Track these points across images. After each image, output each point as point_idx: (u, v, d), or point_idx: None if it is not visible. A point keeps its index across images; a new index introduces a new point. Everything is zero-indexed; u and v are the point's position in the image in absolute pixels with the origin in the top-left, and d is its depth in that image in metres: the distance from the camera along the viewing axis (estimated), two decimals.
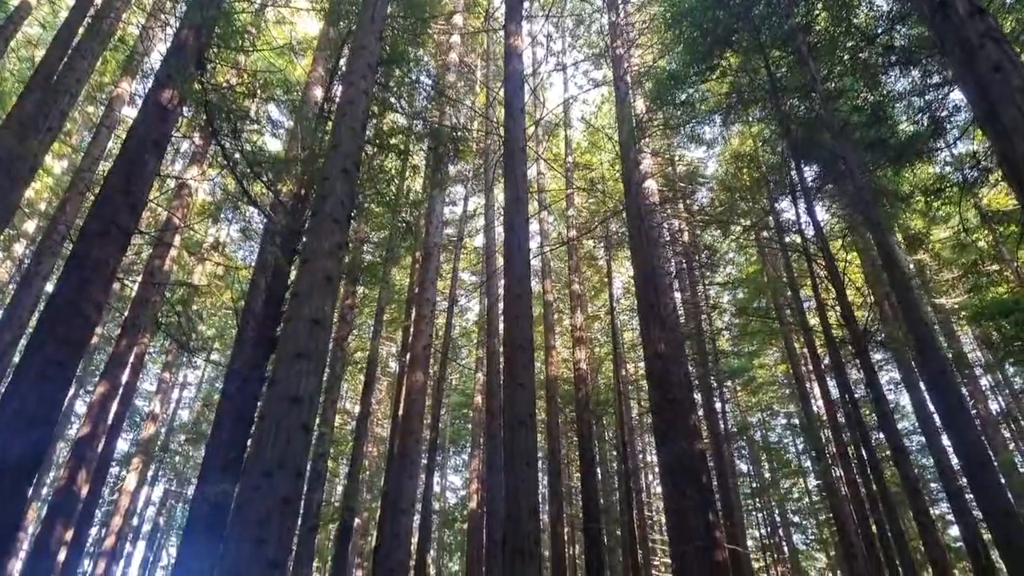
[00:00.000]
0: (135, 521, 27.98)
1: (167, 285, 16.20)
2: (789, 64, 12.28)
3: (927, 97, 12.01)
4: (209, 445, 9.21)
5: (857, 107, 11.82)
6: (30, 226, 21.40)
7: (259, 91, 15.74)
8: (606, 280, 21.93)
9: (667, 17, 13.12)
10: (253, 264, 14.02)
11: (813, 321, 17.04)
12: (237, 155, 10.33)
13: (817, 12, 11.82)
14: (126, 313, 16.01)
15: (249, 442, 9.15)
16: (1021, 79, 3.14)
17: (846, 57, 11.54)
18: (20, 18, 14.39)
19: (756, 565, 26.78)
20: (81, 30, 11.62)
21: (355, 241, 16.84)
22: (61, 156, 23.49)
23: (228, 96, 10.73)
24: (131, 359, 15.36)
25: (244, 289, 15.03)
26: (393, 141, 12.60)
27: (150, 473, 26.88)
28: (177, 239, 17.11)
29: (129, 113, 20.76)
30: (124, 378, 15.23)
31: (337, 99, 12.06)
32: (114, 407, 14.75)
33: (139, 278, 17.13)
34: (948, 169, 15.97)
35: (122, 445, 21.63)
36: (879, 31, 10.82)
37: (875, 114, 11.40)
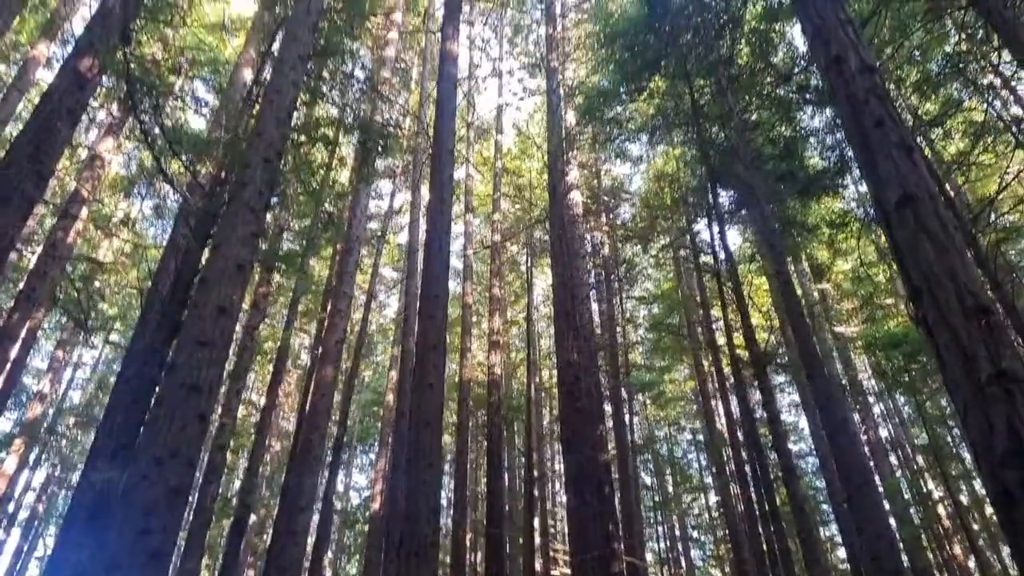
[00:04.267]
0: (11, 507, 26.27)
1: (69, 259, 15.35)
2: (712, 93, 12.80)
3: (838, 136, 12.76)
4: (100, 429, 8.76)
5: (771, 139, 12.43)
6: None
7: (186, 68, 15.17)
8: (527, 286, 22.17)
9: (601, 36, 13.44)
10: (164, 244, 13.44)
11: (721, 341, 17.74)
12: (156, 131, 9.96)
13: (740, 47, 12.37)
14: (21, 285, 15.10)
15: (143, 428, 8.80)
16: (898, 135, 3.44)
17: (764, 92, 12.13)
18: None
19: None
20: None
21: (275, 228, 16.44)
22: None
23: (151, 70, 10.35)
24: (23, 333, 14.51)
25: (152, 269, 14.37)
26: (322, 131, 12.41)
27: (32, 456, 25.29)
28: (84, 212, 16.25)
29: (45, 76, 19.60)
30: (13, 353, 14.37)
31: (266, 84, 11.78)
32: None
33: (39, 249, 16.16)
34: (852, 205, 16.91)
35: (4, 424, 20.29)
36: (796, 71, 11.43)
37: (787, 148, 12.03)
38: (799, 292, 20.26)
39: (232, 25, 18.11)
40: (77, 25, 16.22)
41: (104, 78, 9.18)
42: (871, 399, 24.31)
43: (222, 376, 5.19)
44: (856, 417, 19.80)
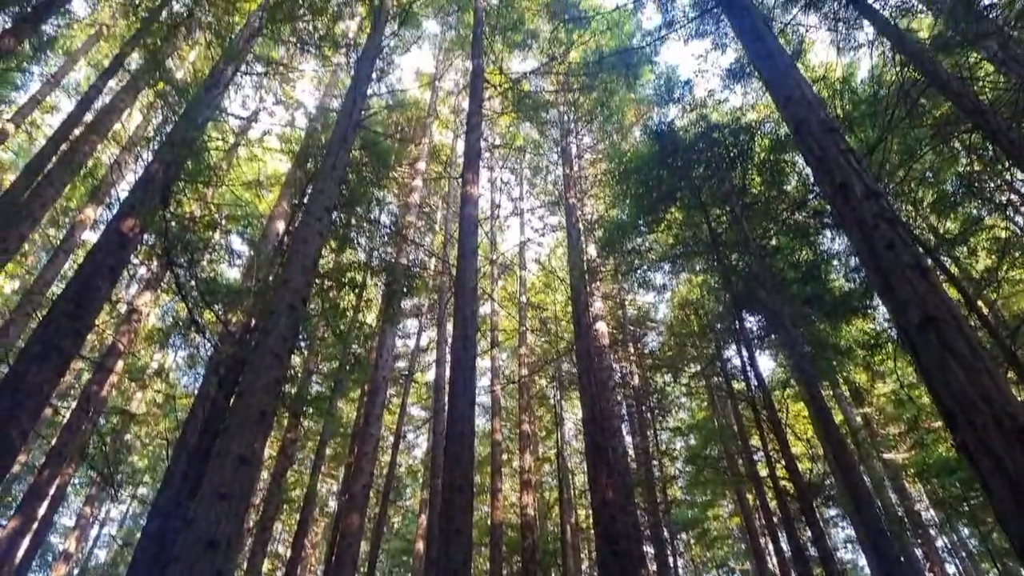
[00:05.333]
0: None
1: (101, 412, 15.53)
2: (728, 221, 13.05)
3: None
4: None
5: (793, 264, 12.46)
6: None
7: (223, 222, 16.01)
8: (556, 421, 21.72)
9: (616, 173, 13.98)
10: (195, 393, 13.58)
11: (763, 472, 16.92)
12: (191, 283, 10.35)
13: (752, 177, 12.73)
14: (53, 441, 15.19)
15: None
16: (911, 256, 3.41)
17: (781, 218, 12.33)
18: None
19: None
20: (54, 158, 11.80)
21: (303, 372, 16.54)
22: (14, 276, 23.11)
23: (189, 227, 10.89)
24: (52, 491, 14.41)
25: (181, 419, 14.42)
26: (350, 275, 12.78)
27: None
28: (120, 364, 16.61)
29: (90, 237, 20.81)
30: (41, 512, 14.22)
31: (294, 234, 12.30)
32: (25, 544, 13.67)
33: (73, 404, 16.41)
34: (885, 325, 16.59)
35: None
36: (810, 196, 11.66)
37: (810, 271, 12.03)
38: (840, 418, 19.55)
39: (267, 181, 19.22)
40: (123, 189, 17.41)
41: (144, 236, 9.69)
42: (932, 532, 22.52)
43: (242, 529, 5.02)
44: (918, 552, 18.36)
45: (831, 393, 20.41)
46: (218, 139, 16.13)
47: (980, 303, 11.97)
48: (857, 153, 4.16)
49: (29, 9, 8.46)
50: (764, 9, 12.65)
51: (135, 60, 13.06)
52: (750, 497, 20.91)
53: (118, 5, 15.49)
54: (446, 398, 17.58)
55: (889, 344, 13.61)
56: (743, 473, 18.44)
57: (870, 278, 3.73)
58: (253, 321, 11.05)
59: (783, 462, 10.76)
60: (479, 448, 25.32)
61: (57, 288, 16.08)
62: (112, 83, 15.06)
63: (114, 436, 17.28)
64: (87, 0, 14.83)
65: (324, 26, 12.81)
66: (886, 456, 19.67)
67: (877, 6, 10.78)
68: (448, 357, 18.20)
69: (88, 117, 12.71)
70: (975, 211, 12.46)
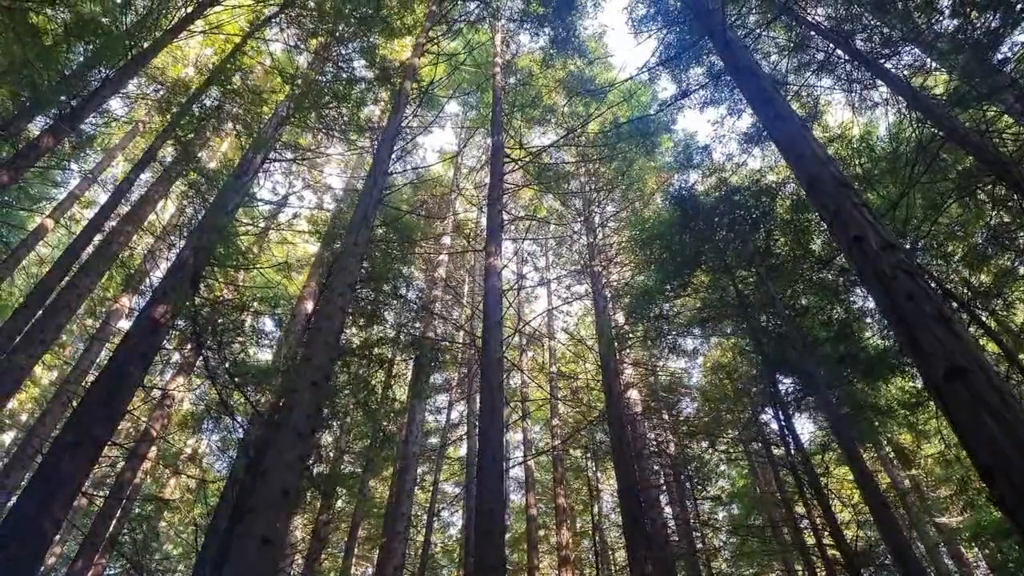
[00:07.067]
0: None
1: (134, 500, 15.52)
2: (755, 283, 12.94)
3: None
4: None
5: (824, 323, 12.24)
6: (7, 437, 20.95)
7: (254, 304, 16.35)
8: (592, 493, 21.14)
9: (639, 240, 14.04)
10: (226, 477, 13.52)
11: (810, 541, 16.12)
12: (224, 365, 10.49)
13: (776, 238, 12.68)
14: (86, 531, 15.15)
15: None
16: (933, 307, 3.33)
17: (807, 277, 12.19)
18: (35, 241, 15.26)
19: None
20: (90, 249, 12.16)
21: (335, 451, 16.45)
22: (52, 367, 23.63)
23: (219, 311, 11.10)
24: None
25: (214, 503, 14.31)
26: (377, 351, 12.85)
27: None
28: (153, 450, 16.69)
29: (124, 325, 21.30)
30: None
31: (317, 312, 12.45)
32: None
33: (107, 492, 16.42)
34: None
35: None
36: (836, 255, 11.54)
37: (842, 330, 11.78)
38: (887, 481, 18.72)
39: (296, 263, 19.66)
40: (156, 277, 17.90)
41: (176, 322, 9.91)
42: None
43: None
44: None
45: (875, 455, 19.64)
46: (249, 224, 16.63)
47: (1022, 357, 11.58)
48: (871, 206, 4.15)
49: (67, 109, 8.95)
50: (777, 74, 12.90)
51: (168, 153, 13.67)
52: (799, 568, 19.88)
53: (153, 102, 16.36)
54: (476, 473, 17.27)
55: (931, 402, 13.14)
56: (789, 543, 17.62)
57: (893, 331, 3.65)
58: (281, 401, 11.10)
59: (828, 528, 10.27)
60: (515, 524, 24.65)
61: (92, 377, 16.38)
62: (147, 175, 15.73)
63: (146, 524, 17.20)
64: (124, 99, 15.69)
65: (349, 112, 13.33)
66: (939, 520, 18.70)
67: (890, 66, 10.93)
68: (476, 431, 17.98)
69: (123, 209, 13.21)
70: (1008, 263, 12.20)
